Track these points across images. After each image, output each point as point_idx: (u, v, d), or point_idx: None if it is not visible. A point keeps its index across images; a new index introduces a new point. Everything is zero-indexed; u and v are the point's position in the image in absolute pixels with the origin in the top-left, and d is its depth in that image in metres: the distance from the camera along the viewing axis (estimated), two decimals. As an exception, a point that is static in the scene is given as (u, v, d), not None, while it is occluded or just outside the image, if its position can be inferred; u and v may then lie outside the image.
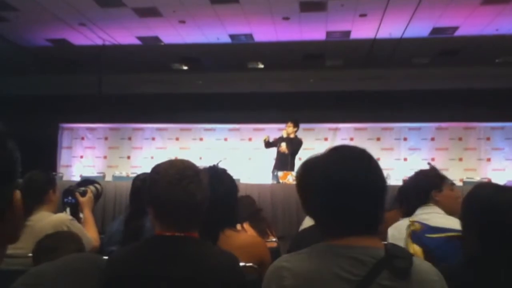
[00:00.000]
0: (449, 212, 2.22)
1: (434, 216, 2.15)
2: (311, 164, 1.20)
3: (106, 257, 1.40)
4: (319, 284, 1.08)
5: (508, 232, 1.38)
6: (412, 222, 1.99)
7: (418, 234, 1.97)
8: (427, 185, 2.31)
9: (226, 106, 9.07)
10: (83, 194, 2.85)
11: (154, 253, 1.37)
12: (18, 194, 0.62)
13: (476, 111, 8.77)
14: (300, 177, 1.22)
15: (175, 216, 1.39)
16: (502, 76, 8.55)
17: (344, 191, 1.11)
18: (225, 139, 9.68)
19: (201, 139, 9.74)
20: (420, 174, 2.40)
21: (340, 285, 1.06)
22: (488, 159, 9.21)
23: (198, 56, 8.41)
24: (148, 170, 1.52)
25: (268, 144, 6.92)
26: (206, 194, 1.43)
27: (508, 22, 6.65)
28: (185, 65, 8.97)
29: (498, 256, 1.37)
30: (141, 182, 2.69)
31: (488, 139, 9.25)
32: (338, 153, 1.19)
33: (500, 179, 8.19)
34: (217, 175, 1.90)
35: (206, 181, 1.46)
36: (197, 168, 1.48)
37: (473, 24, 6.78)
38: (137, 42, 7.71)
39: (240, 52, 8.07)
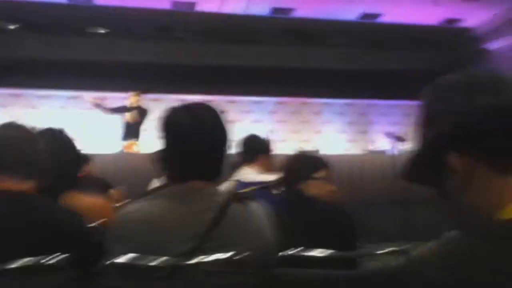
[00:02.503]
0: (266, 171, 2.51)
1: (246, 174, 2.50)
2: (170, 118, 1.34)
3: None
4: (169, 225, 1.19)
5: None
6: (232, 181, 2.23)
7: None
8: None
9: (63, 72, 8.34)
10: None
11: None
12: None
13: (310, 88, 9.64)
14: (161, 128, 1.35)
15: (8, 167, 1.38)
16: (333, 57, 9.50)
17: (195, 144, 1.26)
18: (63, 108, 8.99)
19: (33, 107, 8.87)
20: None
21: (192, 220, 1.20)
22: (319, 131, 10.28)
23: (31, 15, 7.56)
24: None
25: (105, 109, 6.66)
26: (41, 153, 1.45)
27: (337, 8, 7.40)
28: (15, 24, 7.97)
29: None
30: None
31: (318, 113, 10.32)
32: (194, 111, 1.33)
33: (329, 150, 9.25)
34: (53, 135, 1.87)
35: (42, 143, 1.48)
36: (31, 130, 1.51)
37: (308, 8, 7.39)
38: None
39: (79, 14, 7.48)
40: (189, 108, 1.33)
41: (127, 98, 6.69)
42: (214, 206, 1.21)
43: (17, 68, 8.19)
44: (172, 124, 1.32)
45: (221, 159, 1.31)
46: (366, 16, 7.85)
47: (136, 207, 1.24)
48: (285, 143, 9.26)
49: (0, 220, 1.29)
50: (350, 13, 7.64)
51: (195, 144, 1.25)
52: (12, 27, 8.00)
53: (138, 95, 6.66)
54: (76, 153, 1.94)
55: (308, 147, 8.62)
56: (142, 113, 6.67)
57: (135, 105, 6.63)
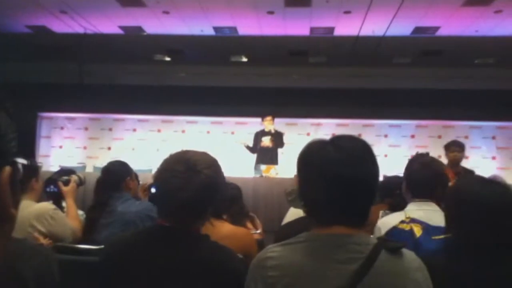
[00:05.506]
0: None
1: (431, 213, 1.93)
2: (311, 152, 1.20)
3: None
4: (308, 275, 1.08)
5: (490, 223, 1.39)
6: (409, 219, 1.85)
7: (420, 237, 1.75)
8: (433, 179, 2.03)
9: (208, 99, 9.03)
10: (66, 183, 2.78)
11: (150, 242, 1.38)
12: (5, 171, 0.57)
13: (454, 110, 8.93)
14: (300, 162, 1.21)
15: (171, 208, 1.40)
16: (480, 77, 8.72)
17: (341, 183, 1.12)
18: (208, 132, 9.66)
19: (183, 132, 9.69)
20: (428, 167, 2.08)
21: (333, 272, 1.07)
22: (466, 157, 9.37)
23: (181, 47, 8.35)
24: (129, 162, 1.53)
25: (251, 149, 6.86)
26: (203, 186, 1.39)
27: (487, 24, 6.77)
28: (168, 56, 8.89)
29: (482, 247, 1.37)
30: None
31: (466, 137, 9.43)
32: (339, 145, 1.17)
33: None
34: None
35: (210, 172, 1.43)
36: (203, 158, 1.45)
37: (454, 25, 6.89)
38: (120, 31, 7.61)
39: (224, 45, 8.03)
40: (334, 142, 1.18)
41: (262, 123, 6.89)
42: (360, 256, 1.08)
43: (169, 97, 9.08)
44: (314, 159, 1.17)
45: (369, 201, 1.15)
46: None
47: (277, 253, 1.14)
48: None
49: (167, 259, 1.33)
50: (502, 29, 6.92)
51: (340, 184, 1.11)
52: (167, 59, 8.93)
53: (273, 119, 6.81)
54: (228, 185, 2.02)
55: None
56: (278, 137, 6.81)
57: (270, 129, 6.79)
